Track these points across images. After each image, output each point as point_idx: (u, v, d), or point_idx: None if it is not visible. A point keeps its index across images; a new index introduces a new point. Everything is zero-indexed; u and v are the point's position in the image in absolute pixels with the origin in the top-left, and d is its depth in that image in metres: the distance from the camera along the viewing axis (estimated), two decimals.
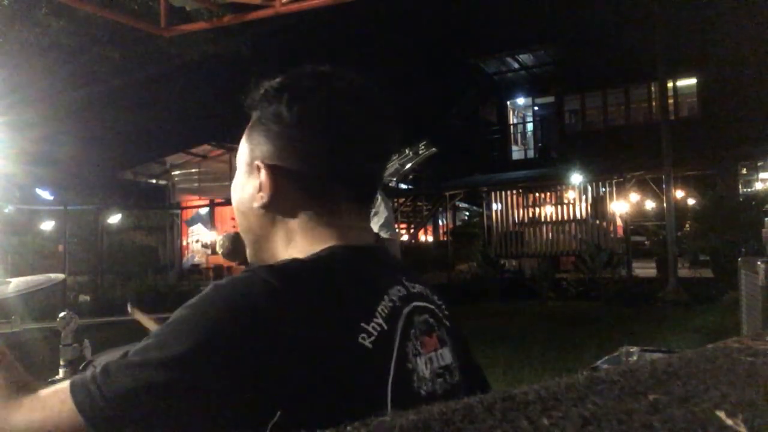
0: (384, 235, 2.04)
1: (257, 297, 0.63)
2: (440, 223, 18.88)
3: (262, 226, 0.78)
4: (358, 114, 0.76)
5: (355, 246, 0.75)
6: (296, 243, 0.76)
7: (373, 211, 2.05)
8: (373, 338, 0.65)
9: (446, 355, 0.75)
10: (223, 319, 0.62)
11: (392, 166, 1.93)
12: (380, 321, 0.67)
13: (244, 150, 0.80)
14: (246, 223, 0.80)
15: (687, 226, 12.58)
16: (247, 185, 0.78)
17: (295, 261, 0.70)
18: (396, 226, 2.21)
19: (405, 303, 0.72)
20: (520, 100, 19.63)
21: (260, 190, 0.76)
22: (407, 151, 1.97)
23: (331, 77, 0.78)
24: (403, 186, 16.59)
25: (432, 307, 0.78)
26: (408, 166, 2.08)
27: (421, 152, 2.00)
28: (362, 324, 0.66)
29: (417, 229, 17.76)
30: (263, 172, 0.75)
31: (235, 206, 0.81)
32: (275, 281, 0.64)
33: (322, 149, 0.75)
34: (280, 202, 0.76)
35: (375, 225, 2.02)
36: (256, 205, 0.77)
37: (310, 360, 0.61)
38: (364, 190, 0.79)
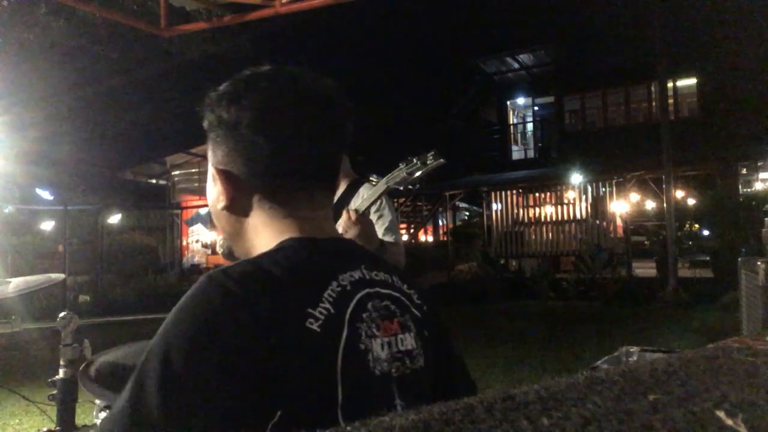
0: (389, 239, 2.05)
1: (215, 305, 0.67)
2: (440, 223, 18.88)
3: (231, 225, 0.84)
4: (296, 110, 0.80)
5: (307, 237, 0.79)
6: (262, 238, 0.81)
7: (377, 214, 2.05)
8: (320, 322, 0.69)
9: (408, 341, 0.78)
10: (190, 337, 0.65)
11: (399, 174, 1.91)
12: (327, 305, 0.71)
13: (209, 155, 0.85)
14: (219, 223, 0.86)
15: (687, 226, 12.59)
16: (213, 190, 0.83)
17: (246, 261, 0.74)
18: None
19: (358, 287, 0.76)
20: (520, 100, 19.62)
21: (220, 194, 0.82)
22: (415, 160, 1.94)
23: (266, 77, 0.82)
24: (399, 188, 16.57)
25: (397, 295, 0.81)
26: (416, 175, 2.06)
27: (429, 162, 1.98)
28: (309, 309, 0.69)
29: (417, 229, 17.76)
30: (218, 178, 0.81)
31: (209, 208, 0.87)
32: (229, 284, 0.68)
33: (263, 149, 0.78)
34: (238, 203, 0.81)
35: (380, 229, 2.02)
36: (219, 207, 0.82)
37: (269, 352, 0.65)
38: (316, 182, 0.83)
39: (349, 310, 0.73)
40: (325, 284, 0.73)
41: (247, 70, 0.83)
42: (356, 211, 1.91)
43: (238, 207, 0.82)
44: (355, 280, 0.76)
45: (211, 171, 0.83)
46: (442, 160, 1.79)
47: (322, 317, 0.69)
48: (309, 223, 0.81)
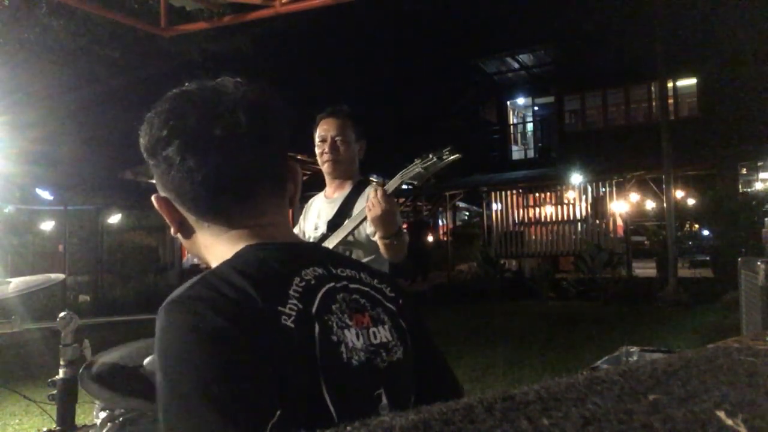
0: None
1: (206, 321, 0.66)
2: (440, 223, 18.88)
3: (190, 247, 0.84)
4: (212, 125, 0.76)
5: (262, 242, 0.79)
6: (215, 254, 0.81)
7: None
8: (293, 318, 0.70)
9: (382, 333, 0.79)
10: (196, 360, 0.65)
11: (414, 169, 1.88)
12: (295, 301, 0.71)
13: None
14: (184, 245, 0.87)
15: (687, 226, 12.59)
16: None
17: (208, 276, 0.73)
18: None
19: (323, 282, 0.77)
20: (520, 100, 19.62)
21: (167, 220, 0.82)
22: (431, 156, 1.90)
23: (180, 96, 0.80)
24: (403, 186, 16.58)
25: (367, 289, 0.82)
26: (432, 170, 2.02)
27: (445, 157, 1.94)
28: (279, 308, 0.70)
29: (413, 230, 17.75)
30: (159, 207, 0.81)
31: None
32: (198, 308, 0.67)
33: (182, 171, 0.76)
34: (186, 226, 0.82)
35: None
36: (171, 233, 0.83)
37: (258, 355, 0.66)
38: (253, 192, 0.80)
39: (316, 303, 0.73)
40: (289, 280, 0.73)
41: (172, 91, 0.81)
42: (384, 190, 1.88)
43: (185, 230, 0.82)
44: (318, 275, 0.77)
45: (153, 199, 0.82)
46: (457, 155, 1.78)
47: (293, 313, 0.70)
48: (257, 232, 0.80)
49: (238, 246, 0.78)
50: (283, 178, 0.84)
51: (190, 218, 0.81)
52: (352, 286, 0.80)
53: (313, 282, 0.75)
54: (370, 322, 0.78)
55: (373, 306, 0.80)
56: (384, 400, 0.74)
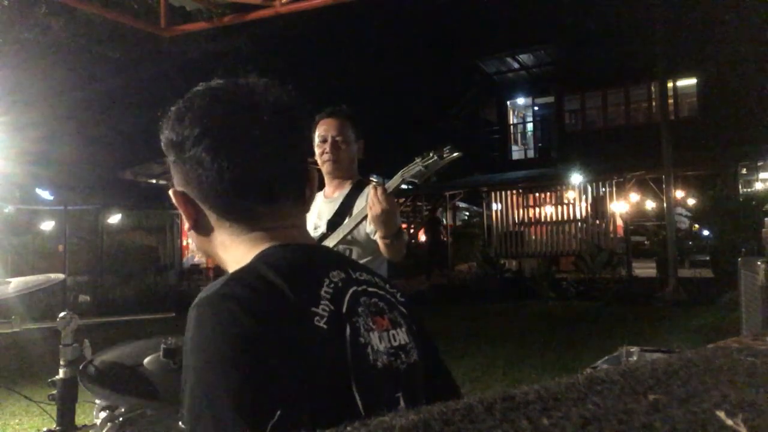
0: None
1: (241, 336, 0.66)
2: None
3: (202, 244, 0.84)
4: (242, 124, 0.77)
5: (284, 244, 0.79)
6: (232, 254, 0.80)
7: None
8: (325, 319, 0.71)
9: (400, 336, 0.80)
10: (230, 359, 0.65)
11: (415, 168, 1.88)
12: (326, 302, 0.72)
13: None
14: (193, 241, 0.87)
15: (687, 225, 12.59)
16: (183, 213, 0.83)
17: (241, 273, 0.73)
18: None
19: (349, 285, 0.78)
20: (520, 100, 19.62)
21: (184, 215, 0.81)
22: (431, 154, 1.90)
23: (211, 92, 0.80)
24: (403, 186, 16.59)
25: (383, 293, 0.83)
26: (433, 169, 2.01)
27: (445, 155, 1.94)
28: (313, 308, 0.71)
29: (417, 229, 17.75)
30: (177, 201, 0.81)
31: None
32: (236, 309, 0.67)
33: (209, 169, 0.76)
34: (202, 223, 0.81)
35: None
36: (186, 228, 0.83)
37: (290, 357, 0.66)
38: (276, 194, 0.80)
39: (344, 306, 0.74)
40: (320, 281, 0.74)
41: (198, 86, 0.81)
42: (384, 189, 1.88)
43: (202, 227, 0.81)
44: (343, 278, 0.78)
45: (170, 193, 0.82)
46: (457, 153, 1.78)
47: (326, 314, 0.71)
48: (279, 234, 0.80)
49: (260, 246, 0.78)
50: (303, 181, 0.84)
51: (211, 216, 0.80)
52: (370, 289, 0.81)
53: (340, 285, 0.76)
54: (389, 325, 0.80)
55: (390, 309, 0.82)
56: (402, 403, 0.76)
